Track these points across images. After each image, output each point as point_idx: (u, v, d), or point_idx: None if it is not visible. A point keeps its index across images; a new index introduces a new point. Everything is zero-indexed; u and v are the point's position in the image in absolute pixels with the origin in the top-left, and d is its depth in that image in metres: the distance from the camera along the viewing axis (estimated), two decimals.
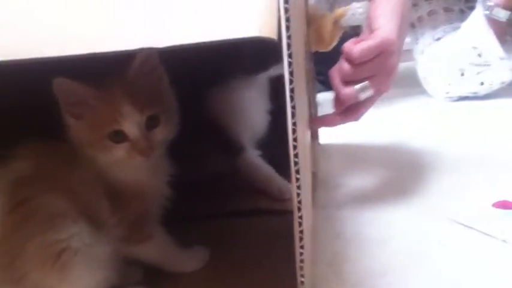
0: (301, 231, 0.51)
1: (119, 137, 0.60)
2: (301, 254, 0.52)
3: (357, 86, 0.76)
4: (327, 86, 1.79)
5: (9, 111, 0.66)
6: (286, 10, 0.41)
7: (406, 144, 1.18)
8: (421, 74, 1.59)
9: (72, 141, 0.61)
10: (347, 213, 0.86)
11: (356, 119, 0.82)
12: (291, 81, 0.44)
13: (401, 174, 1.00)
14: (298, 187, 0.49)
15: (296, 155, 0.47)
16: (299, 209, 0.50)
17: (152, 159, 0.62)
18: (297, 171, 0.48)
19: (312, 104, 1.17)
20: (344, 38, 1.55)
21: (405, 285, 0.65)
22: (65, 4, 0.44)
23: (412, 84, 1.60)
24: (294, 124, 0.46)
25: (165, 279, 0.69)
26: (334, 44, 1.59)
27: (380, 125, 1.32)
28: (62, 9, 0.44)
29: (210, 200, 0.92)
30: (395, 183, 0.97)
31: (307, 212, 0.56)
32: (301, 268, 0.52)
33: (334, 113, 0.82)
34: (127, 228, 0.63)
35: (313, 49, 1.23)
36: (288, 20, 0.42)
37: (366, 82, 0.76)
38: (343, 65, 0.76)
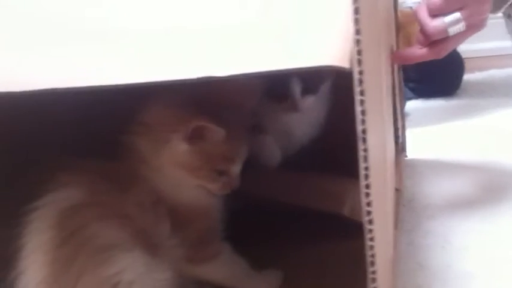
0: (372, 255, 0.45)
1: (224, 171, 0.61)
2: (374, 280, 0.45)
3: (447, 18, 0.71)
4: (417, 93, 1.71)
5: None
6: (358, 42, 0.36)
7: (505, 162, 1.07)
8: None
9: (135, 161, 0.60)
10: (434, 241, 0.79)
11: (440, 56, 0.77)
12: (362, 122, 0.39)
13: (496, 197, 0.90)
14: (369, 204, 0.43)
15: (366, 176, 0.41)
16: (370, 231, 0.44)
17: None
18: (367, 186, 0.42)
19: (399, 115, 1.10)
20: None
21: None
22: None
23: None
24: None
25: None
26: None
27: (474, 137, 1.22)
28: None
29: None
30: (489, 209, 0.87)
31: (383, 236, 0.51)
32: None
33: (417, 47, 0.77)
34: (191, 248, 0.61)
35: None
36: (359, 53, 0.37)
37: (457, 13, 0.71)
38: None
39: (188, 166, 0.59)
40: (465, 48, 1.77)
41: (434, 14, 0.72)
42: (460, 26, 0.72)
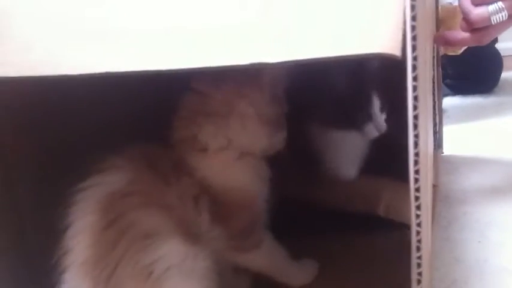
0: (419, 257, 0.45)
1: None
2: (419, 281, 0.46)
3: (490, 7, 0.72)
4: (454, 89, 1.69)
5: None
6: (413, 28, 0.37)
7: None
8: None
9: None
10: (470, 236, 0.79)
11: (481, 42, 0.77)
12: (414, 107, 0.39)
13: None
14: (418, 207, 0.44)
15: (417, 154, 0.42)
16: (418, 233, 0.45)
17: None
18: (417, 189, 0.43)
19: (437, 111, 1.09)
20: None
21: None
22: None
23: None
24: (417, 155, 0.41)
25: None
26: (465, 47, 1.49)
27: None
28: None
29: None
30: None
31: (426, 234, 0.51)
32: None
33: (459, 32, 0.78)
34: (234, 238, 0.62)
35: (441, 52, 1.14)
36: (414, 38, 0.37)
37: (500, 3, 0.72)
38: None
39: (263, 119, 0.61)
40: (504, 46, 1.74)
41: (477, 3, 0.73)
42: (503, 15, 0.72)
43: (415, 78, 0.39)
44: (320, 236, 0.79)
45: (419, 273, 0.46)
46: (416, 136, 0.41)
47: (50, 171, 0.70)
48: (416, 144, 0.41)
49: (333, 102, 0.80)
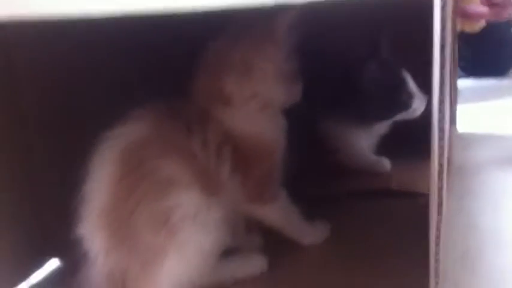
0: (437, 237, 0.45)
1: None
2: (437, 253, 0.45)
3: None
4: (468, 71, 1.67)
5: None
6: None
7: None
8: None
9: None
10: (484, 204, 0.78)
11: (499, 17, 0.82)
12: (442, 65, 0.38)
13: None
14: (441, 166, 0.43)
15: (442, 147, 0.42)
16: (440, 204, 0.44)
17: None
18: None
19: (453, 88, 1.08)
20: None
21: None
22: None
23: None
24: (441, 130, 0.41)
25: (283, 250, 0.67)
26: (483, 24, 1.47)
27: None
28: None
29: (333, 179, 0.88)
30: None
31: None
32: (437, 267, 0.46)
33: (478, 5, 0.80)
34: (252, 188, 0.63)
35: (459, 28, 1.13)
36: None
37: None
38: None
39: (281, 73, 0.63)
40: None
41: None
42: None
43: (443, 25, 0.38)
44: (332, 201, 0.80)
45: (438, 236, 0.46)
46: (441, 111, 0.41)
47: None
48: (441, 120, 0.41)
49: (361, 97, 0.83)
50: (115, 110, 0.57)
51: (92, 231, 0.56)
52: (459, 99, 1.23)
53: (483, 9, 0.78)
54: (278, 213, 0.66)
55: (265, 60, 0.62)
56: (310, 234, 0.70)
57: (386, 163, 0.90)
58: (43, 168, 0.70)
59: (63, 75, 0.71)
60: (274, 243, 0.67)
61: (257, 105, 0.63)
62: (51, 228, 0.68)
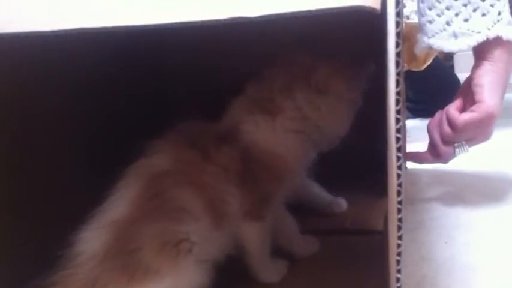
0: (399, 254, 0.45)
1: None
2: (398, 279, 0.46)
3: (456, 145, 0.84)
4: (414, 112, 1.73)
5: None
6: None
7: (505, 174, 1.08)
8: None
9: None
10: (437, 237, 0.79)
11: (446, 162, 0.89)
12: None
13: (497, 202, 0.92)
14: (400, 219, 0.43)
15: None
16: (399, 228, 0.44)
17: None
18: (400, 202, 0.43)
19: (402, 129, 1.11)
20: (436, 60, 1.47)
21: None
22: None
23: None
24: (400, 185, 0.41)
25: None
26: (428, 63, 1.53)
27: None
28: None
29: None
30: (490, 210, 0.89)
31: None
32: None
33: (426, 152, 0.90)
34: (251, 205, 0.64)
35: (405, 68, 1.17)
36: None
37: (464, 142, 0.84)
38: (445, 128, 0.83)
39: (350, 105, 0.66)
40: (462, 77, 1.81)
41: (445, 140, 0.84)
42: (465, 149, 0.84)
43: (398, 74, 0.39)
44: None
45: (399, 271, 0.46)
46: (398, 150, 0.42)
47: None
48: (399, 158, 0.42)
49: None
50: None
51: (99, 233, 0.57)
52: (407, 138, 1.27)
53: (430, 157, 0.89)
54: (262, 233, 0.66)
55: (344, 90, 0.64)
56: (271, 271, 0.69)
57: (342, 203, 0.91)
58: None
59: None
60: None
61: (296, 127, 0.65)
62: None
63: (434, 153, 0.87)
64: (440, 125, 0.85)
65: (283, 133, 0.65)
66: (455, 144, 0.83)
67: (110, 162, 0.56)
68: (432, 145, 0.87)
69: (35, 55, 0.64)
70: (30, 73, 0.70)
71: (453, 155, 0.85)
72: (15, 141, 0.68)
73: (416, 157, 0.93)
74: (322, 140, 0.69)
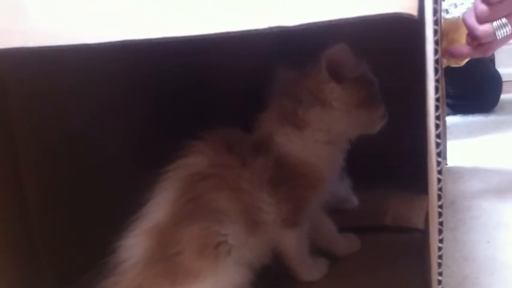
0: (440, 256, 0.46)
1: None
2: (439, 282, 0.46)
3: (495, 23, 0.77)
4: (455, 109, 1.70)
5: None
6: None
7: None
8: None
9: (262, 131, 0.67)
10: (478, 237, 0.78)
11: (487, 54, 0.83)
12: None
13: None
14: (441, 223, 0.44)
15: (440, 172, 0.42)
16: (440, 231, 0.44)
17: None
18: (440, 206, 0.43)
19: (442, 121, 1.10)
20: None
21: None
22: None
23: None
24: (440, 172, 0.41)
25: None
26: (468, 59, 1.50)
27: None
28: None
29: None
30: None
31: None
32: None
33: (465, 45, 0.83)
34: (286, 211, 0.64)
35: (444, 64, 1.16)
36: (435, 1, 0.38)
37: (503, 19, 0.76)
38: (479, 6, 0.77)
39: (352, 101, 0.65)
40: (503, 72, 1.78)
41: (482, 21, 0.78)
42: (507, 30, 0.77)
43: (437, 80, 0.40)
44: None
45: (440, 273, 0.46)
46: (438, 155, 0.42)
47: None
48: (439, 163, 0.42)
49: None
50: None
51: (140, 239, 0.58)
52: (448, 135, 1.25)
53: (469, 48, 0.83)
54: (300, 237, 0.67)
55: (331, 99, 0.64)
56: (312, 269, 0.70)
57: (354, 199, 0.91)
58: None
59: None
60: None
61: (325, 138, 0.66)
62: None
63: (473, 43, 0.81)
64: (474, 7, 0.78)
65: (313, 143, 0.66)
66: (495, 25, 0.77)
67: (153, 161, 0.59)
68: (470, 33, 0.81)
69: (90, 62, 0.70)
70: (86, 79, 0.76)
71: (494, 37, 0.78)
72: (74, 141, 0.73)
73: (455, 51, 0.87)
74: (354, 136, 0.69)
